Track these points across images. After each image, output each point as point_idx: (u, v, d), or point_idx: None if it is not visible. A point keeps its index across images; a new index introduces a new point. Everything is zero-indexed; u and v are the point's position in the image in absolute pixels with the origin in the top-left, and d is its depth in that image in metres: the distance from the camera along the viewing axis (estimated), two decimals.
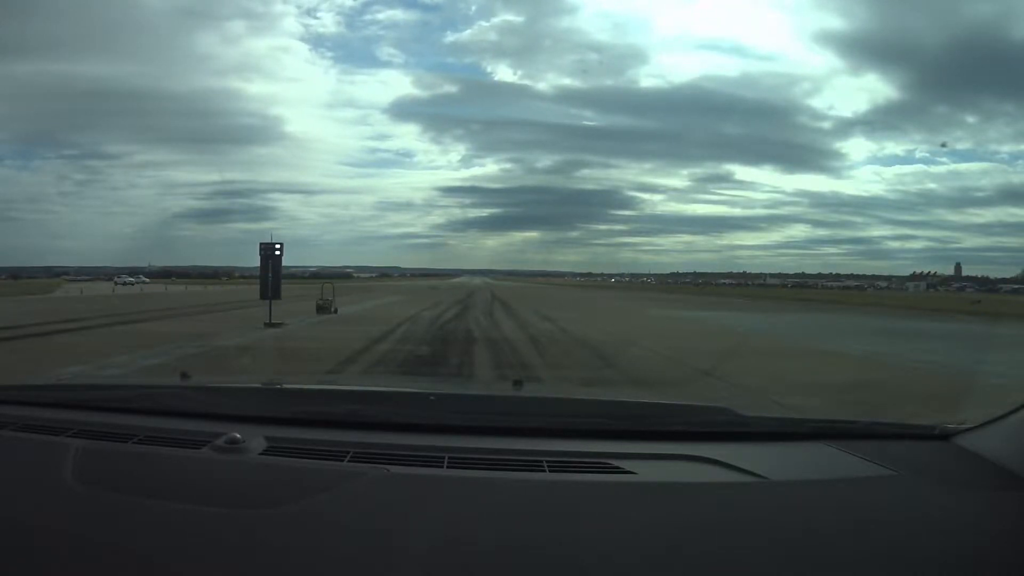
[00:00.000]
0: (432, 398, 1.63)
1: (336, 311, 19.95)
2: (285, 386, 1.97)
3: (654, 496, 1.15)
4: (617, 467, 1.23)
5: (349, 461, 1.24)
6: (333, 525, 1.05)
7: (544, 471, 1.22)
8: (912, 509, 1.15)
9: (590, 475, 1.22)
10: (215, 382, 2.11)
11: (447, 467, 1.22)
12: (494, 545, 1.01)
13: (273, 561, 0.97)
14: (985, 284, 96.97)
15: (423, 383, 3.19)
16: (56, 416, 1.51)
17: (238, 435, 1.29)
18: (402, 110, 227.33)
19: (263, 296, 16.30)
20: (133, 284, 60.98)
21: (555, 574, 0.96)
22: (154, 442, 1.34)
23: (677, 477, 1.23)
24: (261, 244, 16.61)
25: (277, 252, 16.56)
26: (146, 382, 2.59)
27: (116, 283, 59.95)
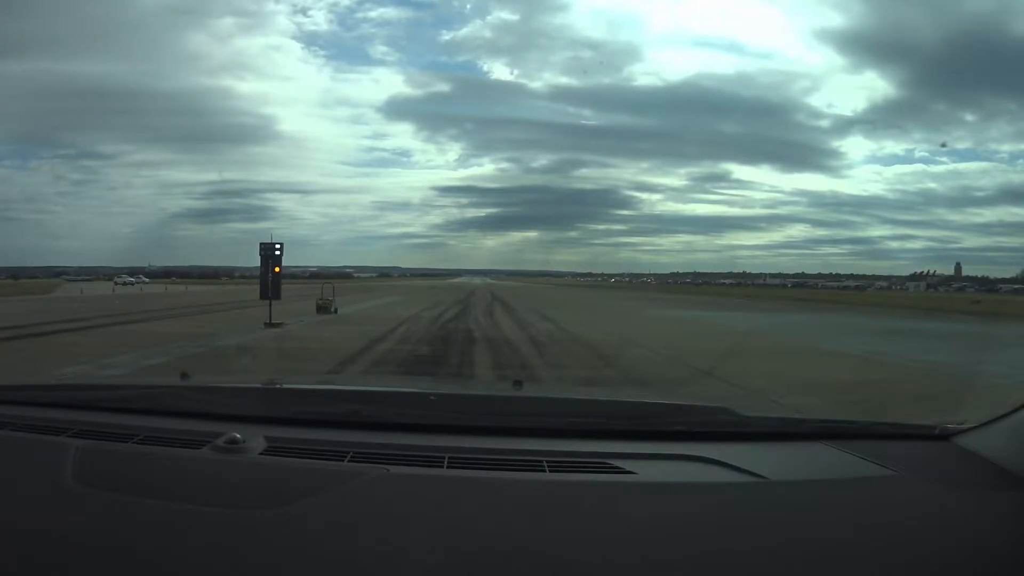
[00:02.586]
0: (432, 398, 1.63)
1: (336, 311, 19.96)
2: (285, 386, 1.96)
3: (654, 496, 1.16)
4: (617, 467, 1.23)
5: (349, 461, 1.23)
6: (333, 525, 1.05)
7: (544, 471, 1.22)
8: (912, 509, 1.15)
9: (590, 475, 1.22)
10: (215, 382, 2.10)
11: (447, 467, 1.22)
12: (494, 545, 1.01)
13: (273, 561, 0.97)
14: (985, 284, 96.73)
15: (423, 383, 3.20)
16: (56, 416, 1.51)
17: (238, 435, 1.28)
18: (397, 109, 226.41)
19: (263, 296, 16.25)
20: (133, 284, 61.01)
21: (555, 574, 0.96)
22: (154, 442, 1.34)
23: (677, 477, 1.23)
24: (261, 244, 16.64)
25: (277, 252, 16.56)
26: (146, 382, 2.59)
27: (116, 283, 60.00)
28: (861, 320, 23.31)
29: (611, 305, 32.92)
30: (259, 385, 1.90)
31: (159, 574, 0.96)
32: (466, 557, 0.99)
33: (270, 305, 15.74)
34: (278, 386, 1.93)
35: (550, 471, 1.22)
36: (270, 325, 15.01)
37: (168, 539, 1.01)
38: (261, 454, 1.27)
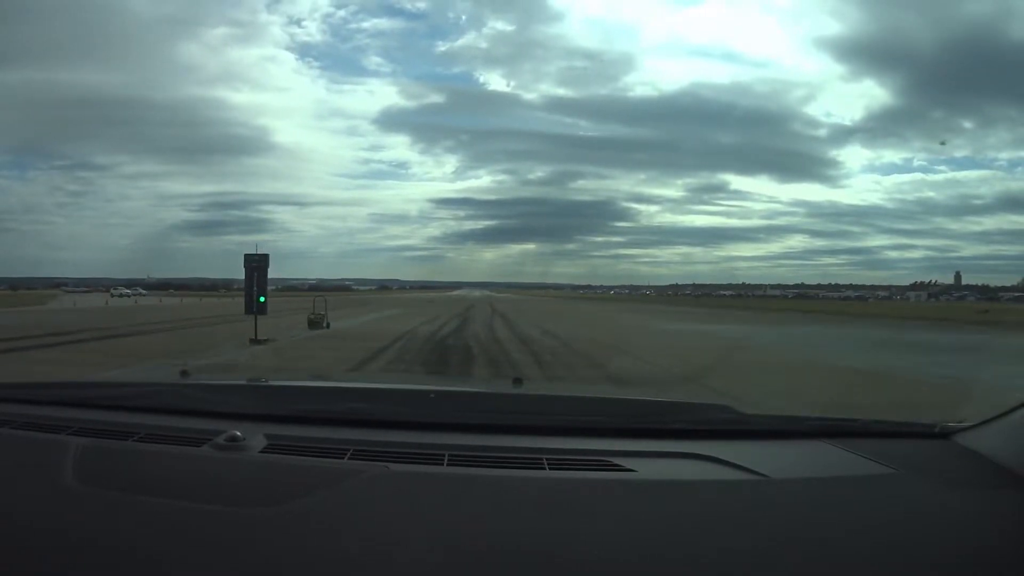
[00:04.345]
0: (432, 396, 1.62)
1: (328, 326, 18.94)
2: (285, 384, 1.96)
3: (655, 494, 1.15)
4: (618, 465, 1.23)
5: (349, 459, 1.23)
6: (333, 523, 1.05)
7: (544, 469, 1.21)
8: (912, 507, 1.15)
9: (590, 473, 1.21)
10: (215, 380, 2.06)
11: (447, 465, 1.22)
12: (494, 543, 1.00)
13: (273, 559, 0.97)
14: (985, 293, 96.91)
15: (423, 381, 3.23)
16: (57, 414, 1.50)
17: (238, 433, 1.29)
18: (393, 121, 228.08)
19: (248, 311, 14.85)
20: (130, 296, 61.29)
21: (556, 572, 0.96)
22: (154, 440, 1.34)
23: (678, 475, 1.23)
24: (246, 255, 15.34)
25: (263, 263, 15.20)
26: (146, 379, 2.53)
27: (112, 295, 60.57)
28: (875, 333, 21.75)
29: (618, 320, 31.27)
30: (259, 383, 1.88)
31: (159, 572, 0.95)
32: (466, 554, 0.98)
33: (255, 320, 14.43)
34: (278, 384, 1.92)
35: (550, 469, 1.22)
36: (255, 342, 13.78)
37: (168, 537, 1.01)
38: (261, 452, 1.27)
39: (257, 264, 15.17)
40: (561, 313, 35.95)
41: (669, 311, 41.28)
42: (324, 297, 21.89)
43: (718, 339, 18.80)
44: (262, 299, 14.67)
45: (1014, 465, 1.21)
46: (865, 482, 1.22)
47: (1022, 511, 1.13)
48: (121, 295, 62.42)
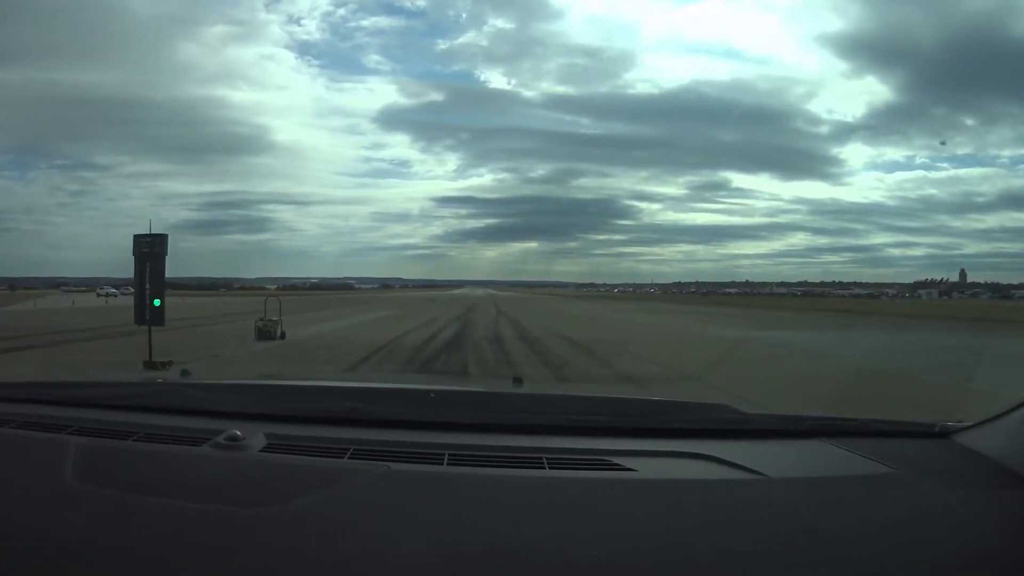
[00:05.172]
0: (432, 395, 1.64)
1: (284, 336, 14.68)
2: (285, 383, 2.00)
3: (654, 493, 1.16)
4: (617, 464, 1.23)
5: (349, 458, 1.24)
6: (333, 522, 1.05)
7: (544, 468, 1.22)
8: (911, 507, 1.15)
9: (590, 472, 1.22)
10: (215, 379, 2.15)
11: (447, 464, 1.23)
12: (494, 542, 1.01)
13: (273, 558, 0.97)
14: (997, 290, 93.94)
15: (423, 380, 3.34)
16: (56, 414, 1.51)
17: (238, 432, 1.29)
18: (393, 119, 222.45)
19: (139, 320, 9.68)
20: (116, 296, 58.66)
21: (555, 571, 0.96)
22: (154, 439, 1.35)
23: (677, 474, 1.23)
24: (135, 236, 9.81)
25: (156, 249, 9.68)
26: (146, 379, 2.49)
27: (99, 294, 58.27)
28: (962, 339, 16.46)
29: (627, 319, 27.03)
30: (259, 382, 1.92)
31: (160, 572, 0.96)
32: (466, 554, 0.98)
33: (149, 333, 9.50)
34: (278, 383, 1.96)
35: (550, 468, 1.22)
36: (151, 365, 8.74)
37: (168, 537, 1.01)
38: (261, 451, 1.27)
39: (149, 249, 9.67)
40: (577, 316, 30.22)
41: (699, 312, 35.28)
42: (277, 297, 17.54)
43: (791, 352, 13.85)
44: (156, 303, 9.44)
45: (1014, 465, 1.20)
46: (865, 482, 1.22)
47: (1022, 511, 1.13)
48: (108, 295, 59.37)
